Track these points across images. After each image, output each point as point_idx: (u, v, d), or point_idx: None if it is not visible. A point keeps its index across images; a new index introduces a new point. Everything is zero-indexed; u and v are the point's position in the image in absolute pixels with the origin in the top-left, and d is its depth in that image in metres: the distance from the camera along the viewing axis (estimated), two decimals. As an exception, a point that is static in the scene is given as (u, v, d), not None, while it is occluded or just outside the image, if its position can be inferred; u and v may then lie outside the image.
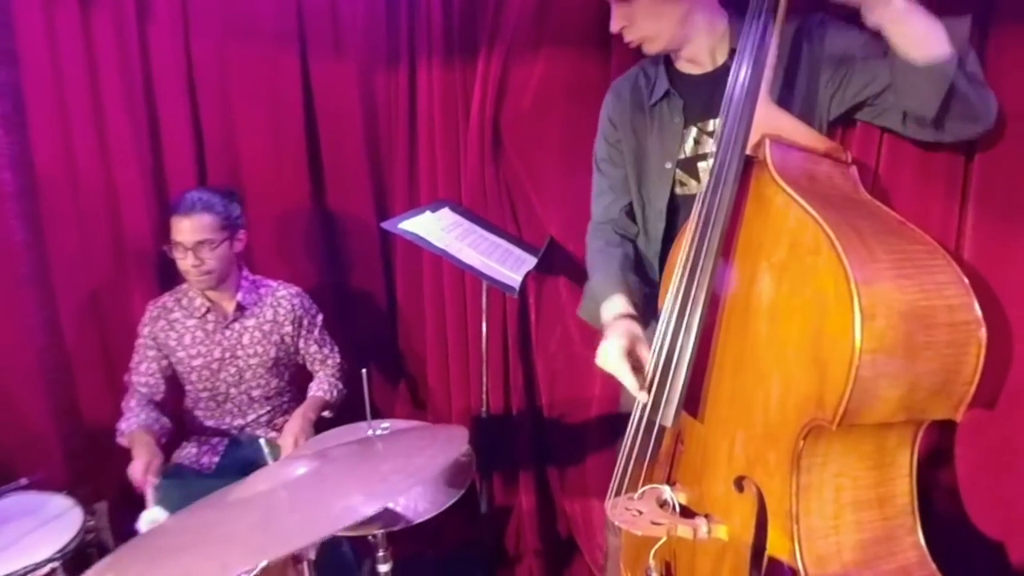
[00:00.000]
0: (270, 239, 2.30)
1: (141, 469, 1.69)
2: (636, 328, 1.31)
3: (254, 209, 2.19)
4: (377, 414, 1.67)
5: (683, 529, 1.07)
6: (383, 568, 1.65)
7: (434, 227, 1.94)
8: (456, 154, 2.18)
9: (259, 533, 0.99)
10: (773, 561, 1.01)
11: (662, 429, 1.17)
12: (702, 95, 1.38)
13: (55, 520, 1.58)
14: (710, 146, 1.39)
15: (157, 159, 2.15)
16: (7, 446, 2.00)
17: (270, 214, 2.28)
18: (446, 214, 2.05)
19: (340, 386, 2.08)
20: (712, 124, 1.38)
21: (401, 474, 1.07)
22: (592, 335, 2.08)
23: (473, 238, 2.00)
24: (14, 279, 1.94)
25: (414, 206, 2.21)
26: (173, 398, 2.01)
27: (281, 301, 2.02)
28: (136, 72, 2.07)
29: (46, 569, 1.42)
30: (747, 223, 1.10)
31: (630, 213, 1.55)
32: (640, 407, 1.18)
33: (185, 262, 1.84)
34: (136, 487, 1.68)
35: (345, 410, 2.03)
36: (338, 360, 2.12)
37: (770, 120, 1.13)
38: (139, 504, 1.80)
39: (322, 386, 2.04)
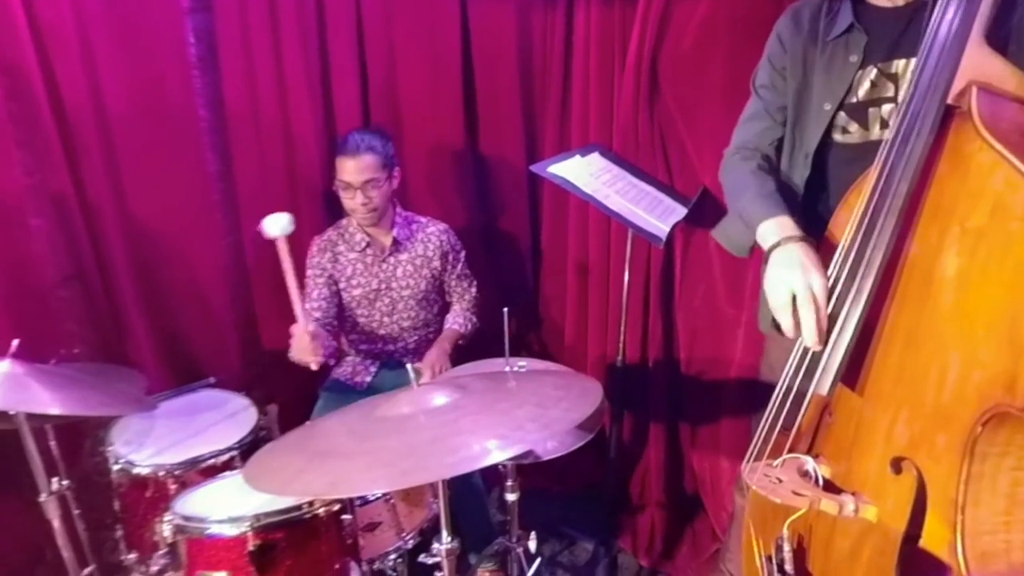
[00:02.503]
0: (424, 177, 2.40)
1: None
2: (820, 263, 1.12)
3: (410, 148, 2.28)
4: (515, 352, 1.72)
5: (828, 504, 1.02)
6: (510, 496, 1.74)
7: (583, 172, 1.91)
8: (610, 96, 2.13)
9: (404, 456, 1.07)
10: (925, 551, 0.94)
11: (813, 397, 1.11)
12: (890, 32, 1.23)
13: (235, 416, 1.80)
14: (889, 90, 1.24)
15: (327, 100, 2.27)
16: (199, 350, 2.30)
17: (425, 153, 2.36)
18: (596, 159, 2.01)
19: (474, 319, 2.19)
20: (896, 66, 1.23)
21: (535, 424, 1.09)
22: (740, 295, 2.00)
23: (622, 184, 1.95)
24: (208, 205, 2.19)
25: (564, 149, 2.20)
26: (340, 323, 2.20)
27: (431, 237, 2.11)
28: (311, 17, 2.18)
29: (227, 456, 1.64)
30: (939, 181, 0.98)
31: (779, 150, 1.42)
32: (792, 370, 1.11)
33: (354, 201, 1.97)
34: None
35: (485, 346, 2.12)
36: (475, 294, 2.22)
37: (980, 65, 0.97)
38: (304, 410, 2.02)
39: (458, 319, 2.16)
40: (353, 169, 1.94)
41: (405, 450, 1.09)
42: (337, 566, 1.39)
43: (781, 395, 1.14)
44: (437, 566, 1.33)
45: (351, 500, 1.42)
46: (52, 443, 1.61)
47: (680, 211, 1.96)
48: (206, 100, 2.09)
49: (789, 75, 1.37)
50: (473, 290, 2.23)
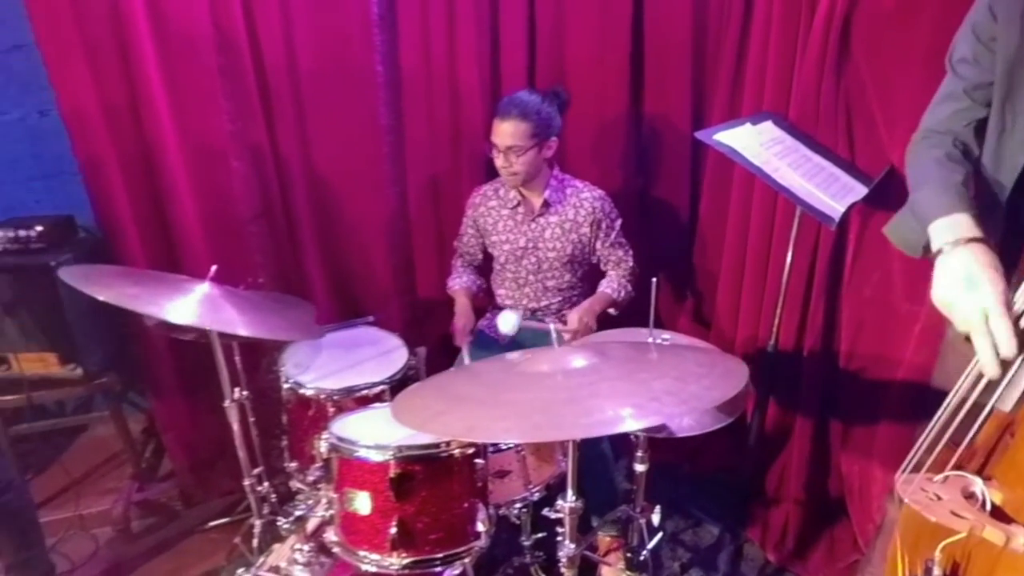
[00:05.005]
0: (583, 140, 2.37)
1: (459, 330, 2.09)
2: (998, 263, 0.99)
3: (572, 109, 2.26)
4: (660, 324, 1.69)
5: (993, 532, 0.90)
6: (639, 468, 1.73)
7: (752, 141, 1.80)
8: (791, 60, 1.96)
9: (538, 411, 1.10)
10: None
11: (991, 413, 0.98)
12: None
13: (388, 353, 1.94)
14: None
15: (495, 59, 2.30)
16: (362, 290, 2.50)
17: (587, 116, 2.33)
18: (768, 128, 1.88)
19: (629, 288, 2.15)
20: None
21: (673, 397, 1.07)
22: (920, 289, 1.79)
23: (795, 157, 1.81)
24: (378, 156, 2.34)
25: (734, 116, 2.08)
26: (488, 265, 2.30)
27: (583, 202, 2.10)
28: None
29: (378, 389, 1.78)
30: None
31: (979, 133, 1.22)
32: (970, 379, 0.98)
33: (497, 161, 2.02)
34: (455, 343, 2.08)
35: (630, 315, 2.09)
36: (631, 264, 2.18)
37: None
38: (449, 354, 2.14)
39: (611, 284, 2.13)
40: (499, 132, 1.97)
41: (540, 406, 1.12)
42: (466, 505, 1.47)
43: (954, 405, 1.02)
44: (559, 522, 1.37)
45: (485, 446, 1.49)
46: (237, 358, 1.85)
47: (859, 190, 1.78)
48: (383, 57, 2.22)
49: (1000, 45, 1.17)
50: (629, 260, 2.18)
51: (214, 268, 1.70)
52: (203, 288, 1.66)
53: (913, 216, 1.18)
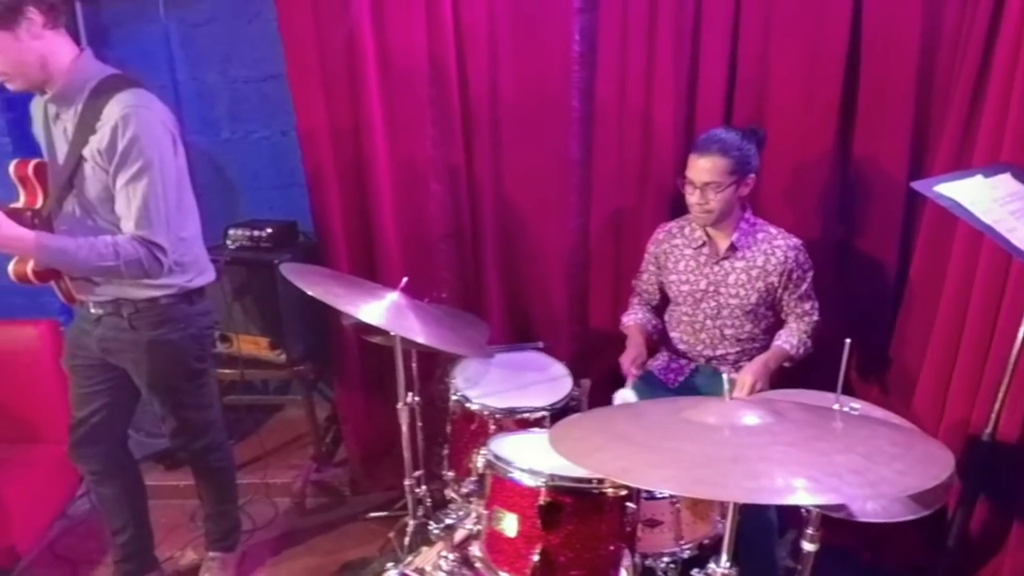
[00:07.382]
0: (780, 182, 2.23)
1: (628, 361, 2.02)
2: None
3: (769, 150, 2.15)
4: (850, 392, 1.53)
5: None
6: (808, 546, 1.56)
7: (983, 196, 1.59)
8: (1043, 106, 1.70)
9: (700, 465, 1.05)
10: None
11: None
12: None
13: (553, 380, 1.96)
14: None
15: (691, 97, 2.25)
16: (535, 315, 2.56)
17: (785, 157, 2.19)
18: (1005, 181, 1.65)
19: (808, 343, 2.01)
20: None
21: (857, 477, 0.97)
22: None
23: (1038, 218, 1.56)
24: (565, 188, 2.39)
25: (961, 167, 1.85)
26: (665, 305, 2.24)
27: (776, 250, 1.98)
28: (688, 14, 2.16)
29: (539, 414, 1.81)
30: None
31: None
32: None
33: (692, 198, 1.96)
34: (623, 373, 2.01)
35: (815, 377, 1.91)
36: (816, 318, 2.03)
37: None
38: (614, 392, 2.11)
39: (790, 339, 2.00)
40: (697, 167, 1.91)
41: (703, 460, 1.07)
42: (612, 547, 1.43)
43: None
44: (708, 586, 1.28)
45: (638, 491, 1.44)
46: (414, 365, 1.98)
47: None
48: (580, 93, 2.29)
49: None
50: (815, 314, 2.04)
51: (405, 280, 1.84)
52: (393, 296, 1.80)
53: None
